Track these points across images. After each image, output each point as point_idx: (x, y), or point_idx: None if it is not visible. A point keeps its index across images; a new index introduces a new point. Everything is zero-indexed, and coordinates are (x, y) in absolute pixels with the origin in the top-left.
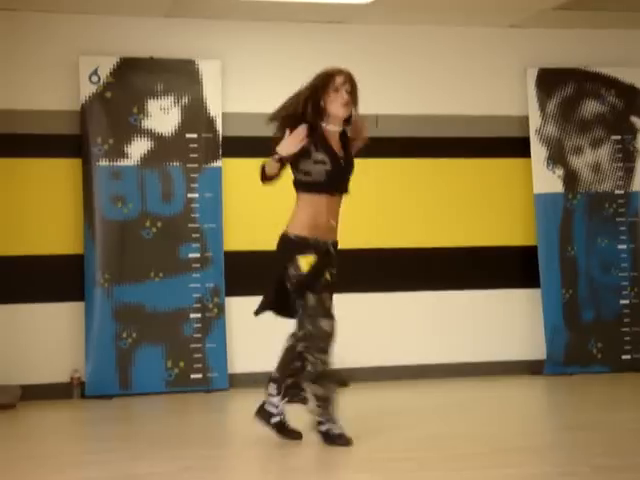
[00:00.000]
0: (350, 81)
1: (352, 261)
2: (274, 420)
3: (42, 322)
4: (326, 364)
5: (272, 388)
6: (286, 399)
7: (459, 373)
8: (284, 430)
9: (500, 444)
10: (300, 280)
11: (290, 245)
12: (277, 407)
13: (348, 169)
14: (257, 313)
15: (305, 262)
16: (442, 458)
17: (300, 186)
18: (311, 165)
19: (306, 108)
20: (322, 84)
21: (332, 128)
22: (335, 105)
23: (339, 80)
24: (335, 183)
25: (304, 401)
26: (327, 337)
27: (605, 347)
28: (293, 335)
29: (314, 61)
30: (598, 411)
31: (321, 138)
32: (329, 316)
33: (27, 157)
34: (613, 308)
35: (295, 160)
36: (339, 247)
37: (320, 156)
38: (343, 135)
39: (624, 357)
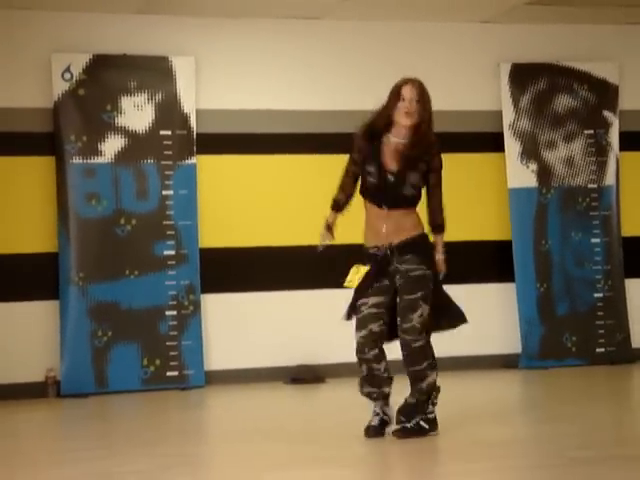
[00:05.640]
0: (419, 90)
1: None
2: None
3: (16, 321)
4: (363, 373)
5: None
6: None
7: None
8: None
9: (476, 437)
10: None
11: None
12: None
13: (398, 185)
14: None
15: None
16: (417, 451)
17: (361, 193)
18: (365, 175)
19: (378, 120)
20: (392, 96)
21: (393, 139)
22: (399, 114)
23: (406, 90)
24: (380, 197)
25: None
26: (357, 347)
27: (579, 340)
28: None
29: (288, 57)
30: (574, 404)
31: (376, 150)
32: (359, 328)
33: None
34: (587, 301)
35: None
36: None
37: (370, 168)
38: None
39: (598, 350)
